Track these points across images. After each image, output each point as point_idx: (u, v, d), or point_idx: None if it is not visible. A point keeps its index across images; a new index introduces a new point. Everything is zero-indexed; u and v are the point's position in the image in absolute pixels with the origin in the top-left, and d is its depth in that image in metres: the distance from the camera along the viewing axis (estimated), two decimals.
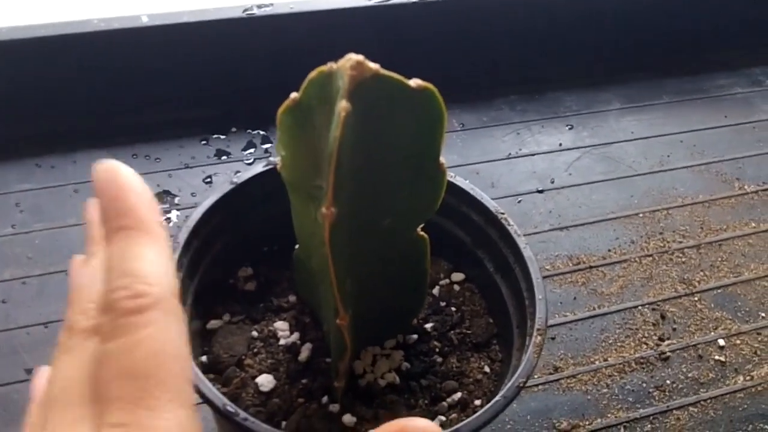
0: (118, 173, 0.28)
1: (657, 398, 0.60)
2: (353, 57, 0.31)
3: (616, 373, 0.62)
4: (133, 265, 0.27)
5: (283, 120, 0.36)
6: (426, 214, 0.40)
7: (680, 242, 0.72)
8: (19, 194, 0.67)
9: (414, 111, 0.34)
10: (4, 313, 0.59)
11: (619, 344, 0.64)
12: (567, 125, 0.82)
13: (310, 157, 0.36)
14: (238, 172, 0.71)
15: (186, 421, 0.25)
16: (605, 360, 0.62)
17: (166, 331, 0.26)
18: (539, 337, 0.41)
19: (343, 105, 0.31)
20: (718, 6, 0.93)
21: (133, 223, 0.27)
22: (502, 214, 0.46)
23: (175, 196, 0.69)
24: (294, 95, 0.35)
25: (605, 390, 0.60)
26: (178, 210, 0.68)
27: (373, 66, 0.32)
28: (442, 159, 0.37)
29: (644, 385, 0.61)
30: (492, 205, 0.47)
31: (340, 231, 0.34)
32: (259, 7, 0.73)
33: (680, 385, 0.61)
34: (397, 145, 0.35)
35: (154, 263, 0.27)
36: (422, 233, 0.42)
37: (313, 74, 0.34)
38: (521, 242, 0.45)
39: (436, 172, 0.38)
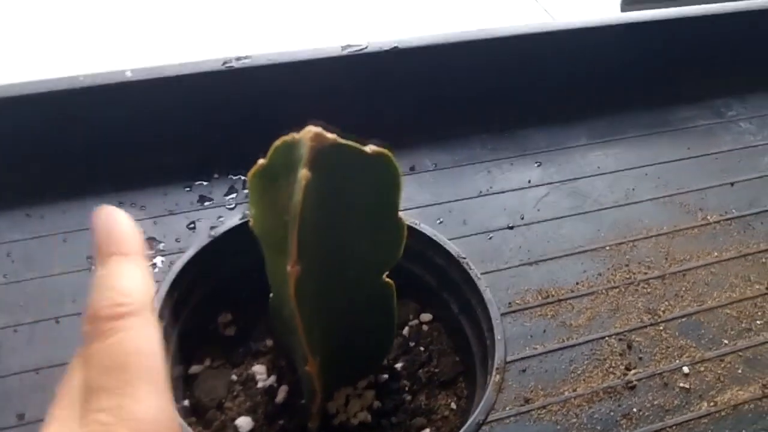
0: (112, 214, 0.35)
1: (624, 426, 0.63)
2: (312, 129, 0.35)
3: (584, 403, 0.64)
4: (115, 282, 0.33)
5: (252, 182, 0.39)
6: (388, 264, 0.43)
7: (645, 273, 0.75)
8: (10, 244, 0.70)
9: (371, 174, 0.37)
10: None
11: (587, 374, 0.66)
12: (536, 162, 0.85)
13: (276, 216, 0.39)
14: (220, 217, 0.75)
15: (163, 407, 0.30)
16: (574, 390, 0.65)
17: (143, 334, 0.32)
18: (498, 376, 0.44)
19: (303, 173, 0.34)
20: (680, 42, 0.97)
21: (119, 251, 0.34)
22: (464, 258, 0.50)
23: (160, 242, 0.72)
24: (261, 161, 0.38)
25: (574, 420, 0.63)
26: (162, 256, 0.71)
27: (330, 136, 0.35)
28: (400, 214, 0.41)
29: (612, 413, 0.64)
30: (454, 249, 0.50)
31: (306, 285, 0.37)
32: (238, 59, 0.76)
33: (646, 413, 0.64)
34: (357, 204, 0.39)
35: (133, 280, 0.33)
36: (388, 280, 0.45)
37: (277, 143, 0.37)
38: (482, 285, 0.48)
39: (395, 227, 0.41)
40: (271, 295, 0.47)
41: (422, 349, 0.51)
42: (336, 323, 0.43)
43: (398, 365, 0.50)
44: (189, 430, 0.38)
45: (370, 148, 0.37)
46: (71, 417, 0.30)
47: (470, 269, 0.49)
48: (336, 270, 0.41)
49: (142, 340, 0.31)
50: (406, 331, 0.52)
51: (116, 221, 0.35)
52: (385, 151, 0.37)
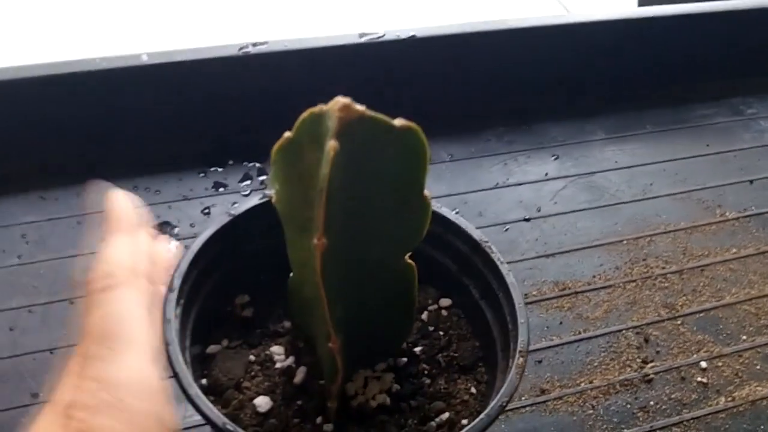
0: (108, 194, 0.40)
1: (641, 419, 0.63)
2: (341, 100, 0.34)
3: (601, 395, 0.64)
4: (103, 254, 0.36)
5: (276, 157, 0.39)
6: (412, 243, 0.42)
7: (663, 268, 0.75)
8: (24, 226, 0.70)
9: (398, 148, 0.37)
10: (11, 340, 0.61)
11: (603, 367, 0.66)
12: (552, 155, 0.85)
13: (301, 192, 0.38)
14: (235, 203, 0.74)
15: (143, 369, 0.34)
16: (591, 382, 0.64)
17: (127, 302, 0.35)
18: (521, 359, 0.43)
19: (331, 144, 0.33)
20: (699, 38, 0.97)
21: (112, 226, 0.38)
22: (486, 242, 0.49)
23: (175, 227, 0.71)
24: (287, 134, 0.38)
25: (591, 411, 0.63)
26: (177, 240, 0.70)
27: (359, 108, 0.34)
28: (426, 191, 0.40)
29: (628, 406, 0.63)
30: (476, 233, 0.49)
31: (331, 260, 0.36)
32: (254, 45, 0.76)
33: (663, 406, 0.64)
34: (384, 179, 0.38)
35: (122, 253, 0.37)
36: (410, 261, 0.44)
37: (304, 115, 0.36)
38: (504, 269, 0.47)
39: (421, 204, 0.40)
40: (291, 274, 0.47)
41: (441, 333, 0.50)
42: (358, 302, 0.42)
43: (417, 349, 0.49)
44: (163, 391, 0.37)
45: (398, 121, 0.36)
46: (72, 383, 0.33)
47: (492, 253, 0.48)
48: (360, 247, 0.40)
49: (127, 309, 0.34)
50: (425, 315, 0.51)
51: (112, 200, 0.40)
52: (414, 124, 0.37)
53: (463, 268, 0.51)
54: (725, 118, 0.94)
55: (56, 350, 0.60)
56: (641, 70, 0.95)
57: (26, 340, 0.61)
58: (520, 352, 0.43)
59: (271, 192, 0.46)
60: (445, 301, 0.52)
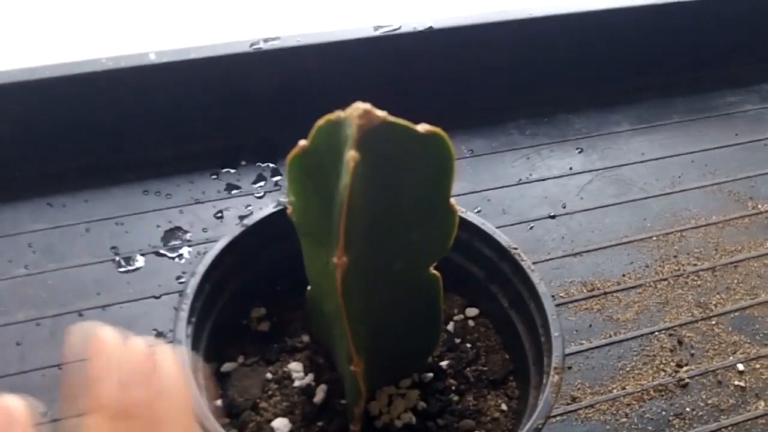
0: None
1: (677, 427, 0.60)
2: (360, 105, 0.31)
3: (634, 402, 0.61)
4: None
5: (292, 167, 0.36)
6: (438, 254, 0.40)
7: (695, 265, 0.72)
8: (31, 234, 0.67)
9: (423, 155, 0.34)
10: (18, 356, 0.59)
11: (636, 372, 0.63)
12: (577, 148, 0.81)
13: (319, 203, 0.36)
14: (248, 206, 0.72)
15: None
16: (623, 388, 0.62)
17: None
18: (557, 377, 0.40)
19: (351, 155, 0.31)
20: (724, 22, 0.93)
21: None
22: (515, 249, 0.46)
23: (187, 232, 0.69)
24: (302, 143, 0.35)
25: (624, 419, 0.60)
26: (189, 246, 0.68)
27: (380, 114, 0.31)
28: (452, 200, 0.37)
29: (664, 413, 0.60)
30: (504, 240, 0.47)
31: (353, 279, 0.34)
32: (266, 41, 0.73)
33: (700, 413, 0.61)
34: (408, 189, 0.35)
35: None
36: (434, 272, 0.41)
37: (320, 122, 0.34)
38: (535, 278, 0.45)
39: (447, 213, 0.38)
40: (308, 288, 0.44)
41: (469, 345, 0.48)
42: (381, 318, 0.40)
43: (444, 363, 0.47)
44: None
45: (422, 127, 0.33)
46: None
47: (522, 261, 0.45)
48: (382, 261, 0.37)
49: None
50: (451, 326, 0.49)
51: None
52: (439, 130, 0.34)
53: (491, 275, 0.48)
54: (754, 106, 0.91)
55: (66, 366, 0.58)
56: (666, 57, 0.92)
57: (34, 356, 0.59)
58: (555, 369, 0.41)
59: (285, 200, 0.43)
60: (472, 311, 0.50)
